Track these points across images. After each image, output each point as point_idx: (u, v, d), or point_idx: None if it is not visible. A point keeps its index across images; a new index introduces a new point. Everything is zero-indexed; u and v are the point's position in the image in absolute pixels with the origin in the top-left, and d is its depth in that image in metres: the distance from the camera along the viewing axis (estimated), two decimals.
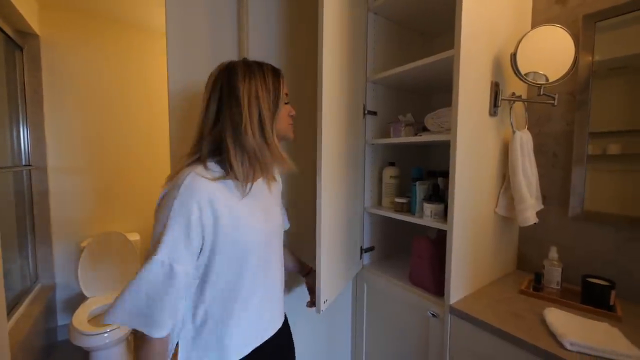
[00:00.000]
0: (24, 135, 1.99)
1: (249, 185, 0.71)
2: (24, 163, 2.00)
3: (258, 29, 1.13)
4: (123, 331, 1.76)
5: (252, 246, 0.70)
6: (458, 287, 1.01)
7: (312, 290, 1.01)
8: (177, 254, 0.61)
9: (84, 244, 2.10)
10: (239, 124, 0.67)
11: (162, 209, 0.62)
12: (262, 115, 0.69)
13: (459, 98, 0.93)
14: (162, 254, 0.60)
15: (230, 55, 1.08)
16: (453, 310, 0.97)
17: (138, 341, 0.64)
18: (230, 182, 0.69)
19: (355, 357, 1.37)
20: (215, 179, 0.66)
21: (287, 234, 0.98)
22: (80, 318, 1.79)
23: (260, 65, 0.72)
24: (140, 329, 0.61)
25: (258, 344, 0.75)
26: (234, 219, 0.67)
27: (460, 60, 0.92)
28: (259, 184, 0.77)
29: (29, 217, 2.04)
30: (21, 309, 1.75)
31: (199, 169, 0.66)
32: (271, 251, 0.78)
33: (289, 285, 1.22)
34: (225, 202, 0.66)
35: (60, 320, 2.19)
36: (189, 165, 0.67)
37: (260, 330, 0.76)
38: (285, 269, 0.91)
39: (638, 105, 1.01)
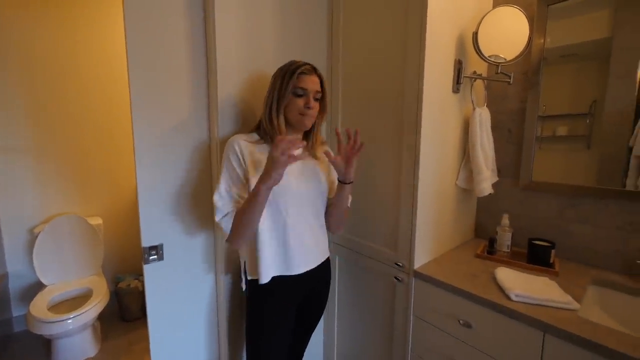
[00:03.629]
0: None
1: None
2: None
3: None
4: (88, 317, 1.69)
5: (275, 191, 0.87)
6: (421, 254, 1.09)
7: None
8: (230, 181, 0.91)
9: (38, 230, 1.96)
10: (264, 105, 0.93)
11: (222, 159, 0.94)
12: (272, 100, 0.91)
13: (425, 74, 0.97)
14: (222, 182, 0.91)
15: (194, 22, 1.02)
16: (417, 274, 1.05)
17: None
18: (265, 145, 0.93)
19: (327, 328, 1.44)
20: (252, 142, 0.93)
21: None
22: (39, 306, 1.69)
23: (291, 64, 0.91)
24: (231, 224, 0.89)
25: (283, 273, 0.94)
26: (259, 170, 0.87)
27: (427, 37, 0.95)
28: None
29: None
30: None
31: (241, 135, 0.94)
32: (298, 208, 0.94)
33: None
34: (251, 154, 0.90)
35: (16, 312, 2.05)
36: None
37: (286, 263, 0.94)
38: (338, 202, 1.01)
39: (580, 90, 1.12)
